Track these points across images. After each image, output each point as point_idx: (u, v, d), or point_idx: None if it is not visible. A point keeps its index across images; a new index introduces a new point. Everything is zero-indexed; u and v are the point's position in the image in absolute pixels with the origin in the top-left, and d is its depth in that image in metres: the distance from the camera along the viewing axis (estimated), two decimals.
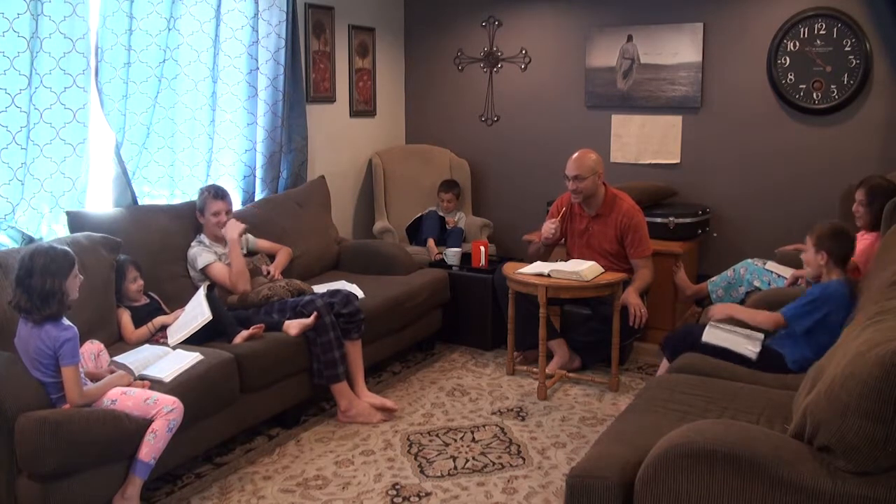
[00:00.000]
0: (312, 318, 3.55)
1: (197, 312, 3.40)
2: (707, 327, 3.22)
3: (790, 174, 4.89)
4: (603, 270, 4.02)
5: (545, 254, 4.45)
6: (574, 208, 4.39)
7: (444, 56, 5.99)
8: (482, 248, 4.80)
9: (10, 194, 3.37)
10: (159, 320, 3.44)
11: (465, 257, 4.92)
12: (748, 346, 3.10)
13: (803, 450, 1.90)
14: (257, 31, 4.47)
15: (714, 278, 4.19)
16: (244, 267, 3.82)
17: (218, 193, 3.89)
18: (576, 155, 4.28)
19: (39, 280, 2.61)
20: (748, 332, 3.16)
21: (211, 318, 3.33)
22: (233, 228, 3.83)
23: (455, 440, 3.50)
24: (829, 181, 4.66)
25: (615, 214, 4.28)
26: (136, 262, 3.53)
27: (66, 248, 2.77)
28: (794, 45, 4.77)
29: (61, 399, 2.68)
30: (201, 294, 3.48)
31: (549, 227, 4.34)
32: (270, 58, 4.60)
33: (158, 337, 3.40)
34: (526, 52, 5.69)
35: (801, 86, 4.78)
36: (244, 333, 3.41)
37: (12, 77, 3.29)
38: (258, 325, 3.47)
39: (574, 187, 4.23)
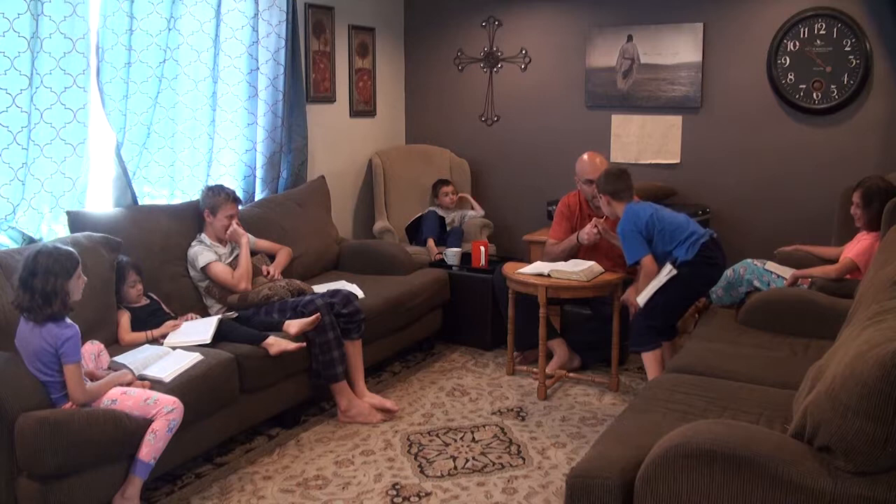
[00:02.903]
0: (314, 317, 3.55)
1: (202, 329, 3.39)
2: (640, 299, 3.76)
3: (790, 174, 4.89)
4: (603, 270, 4.02)
5: (575, 254, 4.30)
6: (585, 206, 4.38)
7: (444, 56, 5.99)
8: (482, 248, 4.80)
9: (11, 194, 3.37)
10: (160, 332, 3.41)
11: (465, 257, 4.92)
12: (665, 273, 3.69)
13: (803, 450, 1.90)
14: (257, 31, 4.47)
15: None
16: (250, 267, 3.84)
17: (236, 198, 3.92)
18: (589, 158, 4.28)
19: (42, 280, 2.62)
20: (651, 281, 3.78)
21: (209, 342, 3.31)
22: (242, 234, 3.87)
23: (455, 440, 3.50)
24: (829, 181, 4.66)
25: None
26: (137, 264, 3.53)
27: (71, 249, 2.78)
28: (794, 45, 4.77)
29: (62, 399, 2.68)
30: (215, 320, 3.44)
31: (595, 237, 4.15)
32: (270, 58, 4.60)
33: (159, 337, 3.40)
34: (526, 52, 5.69)
35: (801, 86, 4.79)
36: (277, 343, 3.40)
37: (13, 77, 3.29)
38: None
39: (595, 191, 4.21)
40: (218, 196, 3.86)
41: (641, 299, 3.75)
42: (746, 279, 3.96)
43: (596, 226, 4.13)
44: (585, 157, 4.31)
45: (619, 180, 3.93)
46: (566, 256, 4.24)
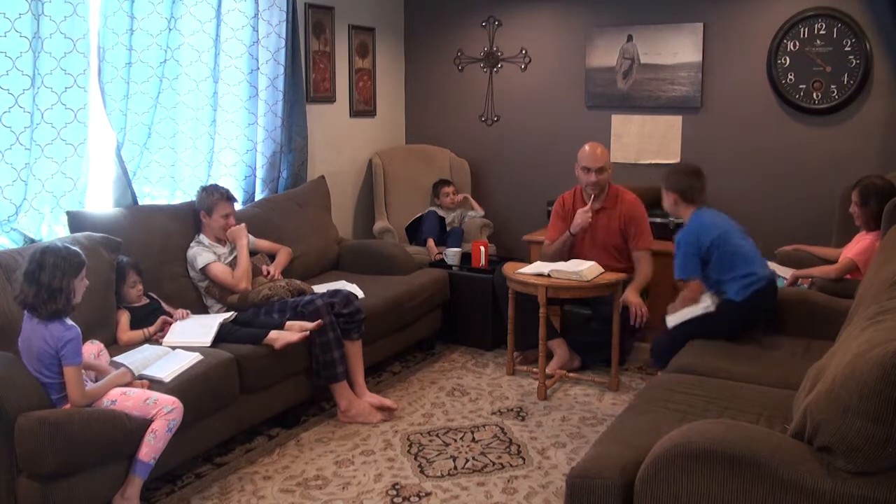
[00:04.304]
0: (315, 324, 3.53)
1: (202, 332, 3.37)
2: (667, 319, 3.51)
3: (790, 174, 4.89)
4: (603, 270, 4.02)
5: (569, 250, 4.32)
6: (579, 203, 4.39)
7: (444, 56, 6.00)
8: (482, 248, 4.81)
9: (14, 195, 3.36)
10: (155, 328, 3.41)
11: (465, 257, 4.92)
12: (702, 306, 3.42)
13: (803, 450, 1.90)
14: (257, 31, 4.47)
15: None
16: (250, 267, 3.84)
17: (230, 196, 3.91)
18: (591, 147, 4.30)
19: (49, 275, 2.62)
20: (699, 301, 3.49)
21: (209, 345, 3.30)
22: (241, 234, 3.86)
23: (455, 440, 3.50)
24: (829, 181, 4.66)
25: (619, 206, 4.31)
26: (137, 265, 3.53)
27: (78, 250, 2.78)
28: (794, 45, 4.77)
29: (62, 399, 2.68)
30: (216, 324, 3.42)
31: (587, 216, 4.19)
32: (271, 58, 4.60)
33: (158, 337, 3.40)
34: (526, 52, 5.69)
35: (801, 86, 4.79)
36: (281, 336, 3.41)
37: (15, 77, 3.28)
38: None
39: (597, 179, 4.23)
40: (212, 196, 3.86)
41: (671, 321, 3.47)
42: None
43: (587, 211, 4.18)
44: (587, 146, 4.33)
45: (691, 178, 3.52)
46: (562, 254, 4.25)
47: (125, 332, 3.37)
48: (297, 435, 3.57)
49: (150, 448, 2.74)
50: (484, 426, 3.65)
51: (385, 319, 4.14)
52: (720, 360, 3.09)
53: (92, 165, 3.72)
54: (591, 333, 4.30)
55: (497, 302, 4.54)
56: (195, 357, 3.15)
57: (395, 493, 3.04)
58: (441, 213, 5.39)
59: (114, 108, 3.74)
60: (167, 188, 4.14)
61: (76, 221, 3.50)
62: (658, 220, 4.77)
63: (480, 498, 3.01)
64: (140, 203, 3.94)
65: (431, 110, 6.11)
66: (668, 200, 3.56)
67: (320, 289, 3.97)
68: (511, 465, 3.26)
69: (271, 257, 4.13)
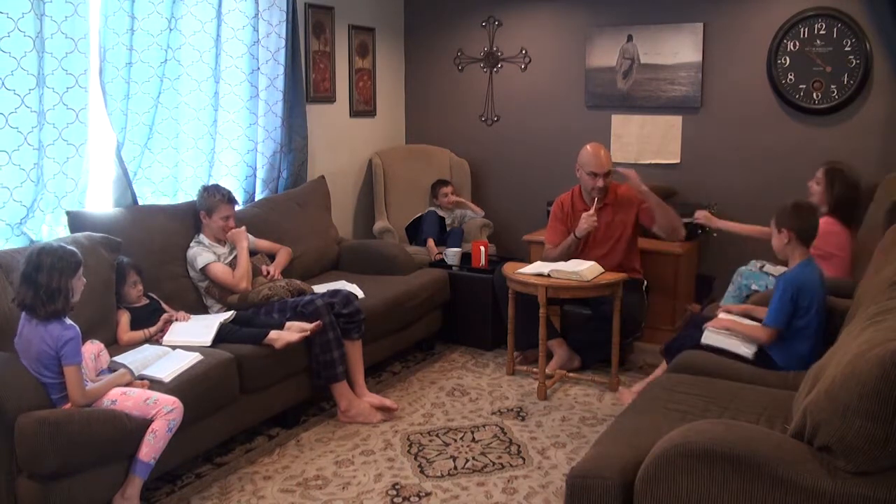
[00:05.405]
0: (314, 325, 3.54)
1: (202, 332, 3.37)
2: (706, 332, 3.22)
3: (790, 174, 4.88)
4: (603, 270, 4.03)
5: (574, 251, 4.29)
6: (578, 204, 4.39)
7: (444, 56, 6.00)
8: (482, 248, 4.81)
9: (23, 197, 3.35)
10: (156, 328, 3.41)
11: (465, 257, 4.92)
12: (744, 348, 3.11)
13: (803, 450, 1.90)
14: (258, 31, 4.47)
15: (722, 301, 4.11)
16: (250, 268, 3.84)
17: (231, 198, 3.91)
18: (594, 149, 4.28)
19: (47, 276, 2.62)
20: (746, 337, 3.14)
21: (209, 345, 3.30)
22: (241, 237, 3.87)
23: (455, 440, 3.50)
24: None
25: (619, 199, 4.33)
26: (137, 265, 3.53)
27: (74, 248, 2.78)
28: (794, 45, 4.77)
29: (62, 399, 2.68)
30: (216, 325, 3.42)
31: (592, 220, 4.19)
32: (271, 58, 4.60)
33: (159, 337, 3.40)
34: (526, 52, 5.69)
35: (801, 86, 4.79)
36: (281, 336, 3.41)
37: (20, 77, 3.27)
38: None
39: (604, 184, 4.24)
40: (213, 197, 3.86)
41: (709, 338, 3.20)
42: (745, 284, 3.97)
43: (592, 215, 4.16)
44: (589, 148, 4.30)
45: (811, 217, 3.13)
46: (566, 257, 4.24)
47: (125, 333, 3.37)
48: (297, 435, 3.57)
49: (151, 448, 2.74)
50: (484, 426, 3.65)
51: (385, 319, 4.14)
52: (720, 360, 3.08)
53: (92, 165, 3.72)
54: (591, 333, 4.30)
55: (497, 302, 4.54)
56: (195, 357, 3.15)
57: (395, 493, 3.04)
58: (441, 213, 5.39)
59: (115, 108, 3.74)
60: (169, 188, 4.14)
61: (76, 221, 3.50)
62: None
63: (480, 498, 3.01)
64: (140, 203, 3.94)
65: (431, 110, 6.12)
66: (779, 239, 3.12)
67: (320, 289, 3.97)
68: (511, 465, 3.26)
69: (271, 257, 4.13)
